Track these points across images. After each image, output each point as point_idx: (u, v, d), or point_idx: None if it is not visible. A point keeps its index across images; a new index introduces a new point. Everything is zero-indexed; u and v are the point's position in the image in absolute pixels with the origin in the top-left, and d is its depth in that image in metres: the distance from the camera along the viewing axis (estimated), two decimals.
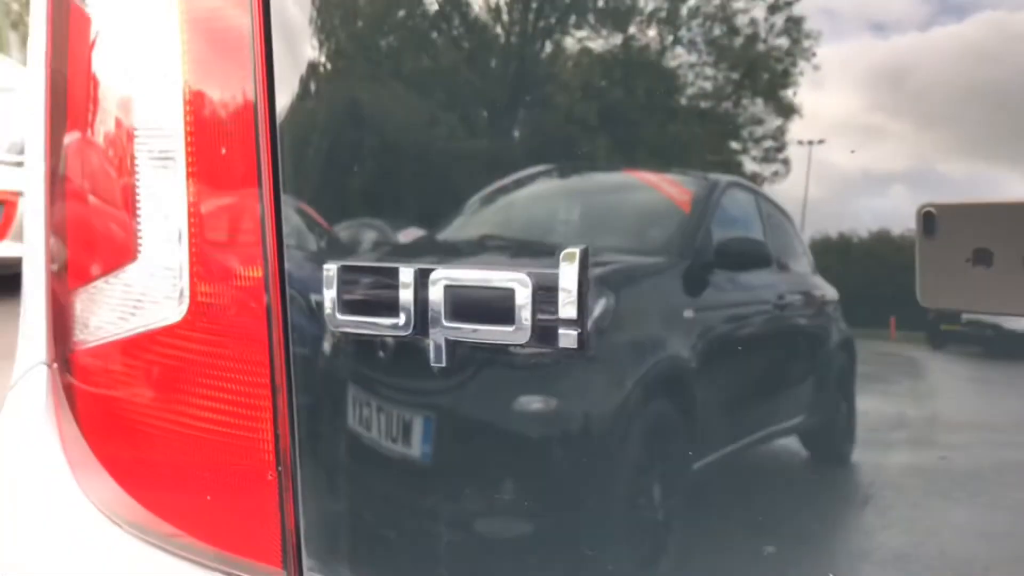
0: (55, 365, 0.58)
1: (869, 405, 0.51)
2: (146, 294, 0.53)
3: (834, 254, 0.51)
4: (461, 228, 0.56)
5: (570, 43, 0.56)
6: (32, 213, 0.68)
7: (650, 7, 0.54)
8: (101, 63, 0.58)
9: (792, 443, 0.54)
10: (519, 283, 0.53)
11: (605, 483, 0.52)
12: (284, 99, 0.55)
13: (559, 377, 0.54)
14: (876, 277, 0.50)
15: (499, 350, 0.51)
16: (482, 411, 0.53)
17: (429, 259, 0.54)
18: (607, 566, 0.50)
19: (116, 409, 0.55)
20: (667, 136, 0.56)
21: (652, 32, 0.54)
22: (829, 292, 0.52)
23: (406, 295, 0.51)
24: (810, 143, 0.52)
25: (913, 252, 0.47)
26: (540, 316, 0.51)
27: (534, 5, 0.56)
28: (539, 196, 0.57)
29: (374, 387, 0.50)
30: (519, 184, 0.57)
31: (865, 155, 0.49)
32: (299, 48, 0.58)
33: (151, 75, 0.57)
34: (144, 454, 0.53)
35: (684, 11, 0.53)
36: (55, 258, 0.61)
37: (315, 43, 0.58)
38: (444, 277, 0.52)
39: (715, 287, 0.55)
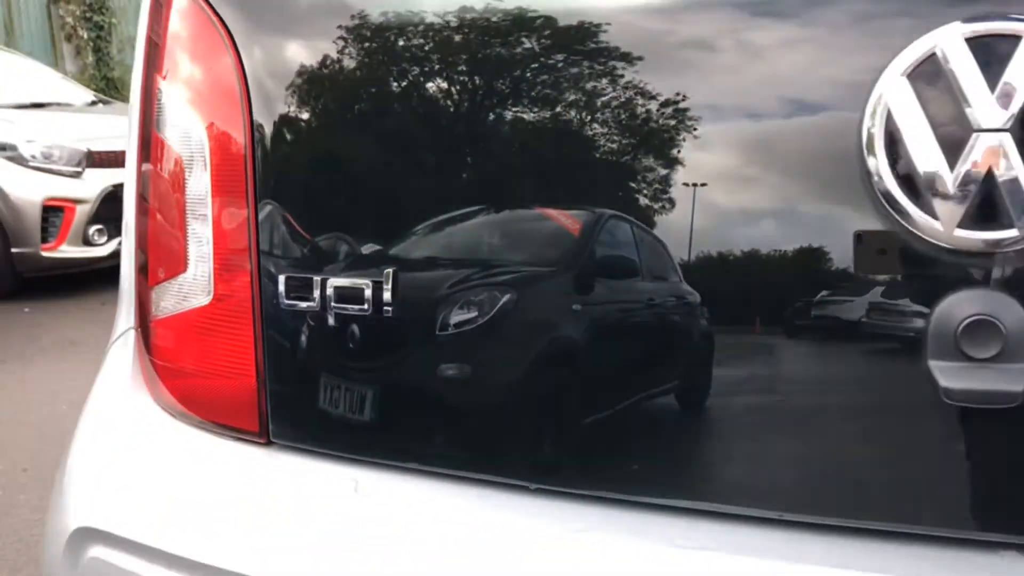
0: (139, 329, 0.99)
1: (722, 372, 0.70)
2: (191, 291, 0.92)
3: (704, 268, 0.68)
4: (407, 249, 0.80)
5: (505, 114, 0.76)
6: (126, 225, 1.03)
7: (571, 98, 0.73)
8: (165, 119, 0.92)
9: (665, 398, 0.74)
10: (374, 283, 0.78)
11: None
12: (265, 154, 0.84)
13: (475, 347, 0.78)
14: (737, 285, 0.69)
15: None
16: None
17: (367, 270, 0.80)
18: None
19: (171, 352, 0.95)
20: (577, 183, 0.76)
21: (572, 112, 0.73)
22: (693, 296, 0.70)
23: (318, 290, 0.84)
24: (694, 185, 0.68)
25: (766, 266, 0.66)
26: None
27: (481, 86, 0.78)
28: (473, 225, 0.79)
29: (311, 335, 0.86)
30: (458, 218, 0.80)
31: (736, 196, 0.68)
32: (277, 111, 0.85)
33: (193, 133, 0.92)
34: (185, 377, 0.92)
35: (598, 101, 0.71)
36: (140, 262, 0.99)
37: (291, 108, 0.85)
38: (334, 281, 0.80)
39: (597, 289, 0.74)
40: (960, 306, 0.61)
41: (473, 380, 0.80)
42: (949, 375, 0.60)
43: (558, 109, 0.75)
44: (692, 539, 0.68)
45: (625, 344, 0.76)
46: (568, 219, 0.77)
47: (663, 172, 0.71)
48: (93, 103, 7.01)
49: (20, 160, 5.71)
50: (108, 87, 14.39)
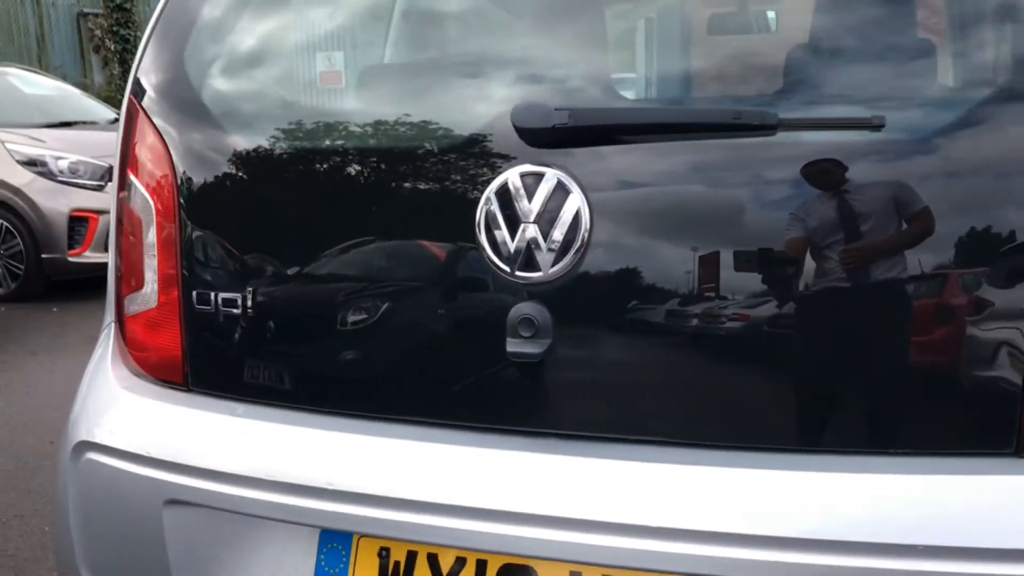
0: (117, 322, 1.58)
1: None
2: (145, 300, 1.49)
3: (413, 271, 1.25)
4: (266, 270, 1.34)
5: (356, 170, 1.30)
6: (110, 254, 1.61)
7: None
8: (137, 161, 1.51)
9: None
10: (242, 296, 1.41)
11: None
12: (183, 223, 1.44)
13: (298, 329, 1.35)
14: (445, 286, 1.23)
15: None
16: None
17: (240, 287, 1.45)
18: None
19: (135, 337, 1.53)
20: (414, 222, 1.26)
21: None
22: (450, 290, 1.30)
23: (214, 299, 1.42)
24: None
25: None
26: None
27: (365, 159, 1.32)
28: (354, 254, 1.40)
29: (211, 326, 1.44)
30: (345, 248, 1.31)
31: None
32: (200, 178, 1.42)
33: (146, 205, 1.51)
34: (142, 352, 1.50)
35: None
36: (118, 272, 1.57)
37: (201, 190, 1.49)
38: (223, 294, 1.46)
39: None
40: (518, 309, 1.18)
41: (297, 349, 1.37)
42: (512, 345, 1.18)
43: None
44: (397, 433, 1.26)
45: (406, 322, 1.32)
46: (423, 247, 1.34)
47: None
48: (114, 121, 7.58)
49: (50, 175, 6.24)
50: None
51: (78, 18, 15.93)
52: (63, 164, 6.32)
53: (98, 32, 15.87)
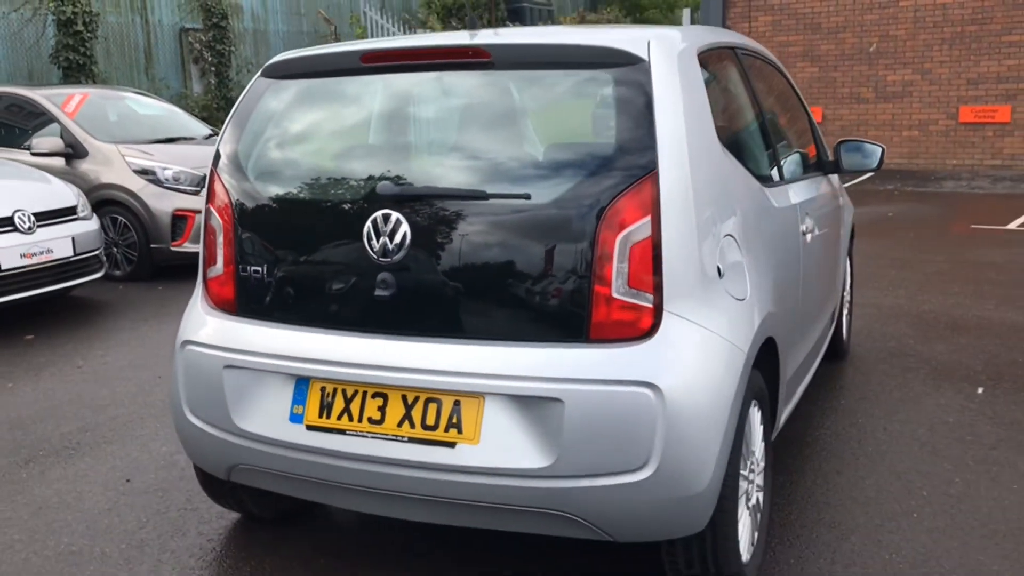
0: (202, 282, 2.99)
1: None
2: (215, 271, 2.87)
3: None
4: (283, 255, 2.87)
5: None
6: (201, 243, 3.06)
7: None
8: (214, 196, 2.94)
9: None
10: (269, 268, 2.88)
11: None
12: (236, 225, 2.89)
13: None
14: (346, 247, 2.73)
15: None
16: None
17: (271, 263, 2.86)
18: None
19: (211, 290, 2.94)
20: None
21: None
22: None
23: (258, 271, 2.84)
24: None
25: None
26: None
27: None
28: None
29: (250, 288, 2.82)
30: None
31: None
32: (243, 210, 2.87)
33: (212, 219, 2.92)
34: (214, 298, 2.92)
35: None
36: (203, 255, 2.97)
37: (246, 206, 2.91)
38: (253, 267, 2.88)
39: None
40: (381, 275, 2.54)
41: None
42: (377, 291, 2.57)
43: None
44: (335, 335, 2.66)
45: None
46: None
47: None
48: (208, 136, 9.15)
49: (157, 182, 7.74)
50: (228, 105, 16.67)
51: (180, 34, 17.61)
52: (168, 173, 7.84)
53: (197, 46, 17.56)
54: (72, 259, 6.32)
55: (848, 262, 5.02)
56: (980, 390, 4.51)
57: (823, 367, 4.76)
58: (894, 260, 7.90)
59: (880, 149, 4.21)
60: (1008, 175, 13.36)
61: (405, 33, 19.08)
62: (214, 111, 16.35)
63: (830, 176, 4.40)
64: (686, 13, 16.46)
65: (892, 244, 8.71)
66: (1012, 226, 9.59)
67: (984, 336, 5.49)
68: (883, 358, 5.08)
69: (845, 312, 5.02)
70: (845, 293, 4.97)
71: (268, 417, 2.62)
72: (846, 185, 12.82)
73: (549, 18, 24.64)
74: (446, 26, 19.55)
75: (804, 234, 3.41)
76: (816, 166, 4.20)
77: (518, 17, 22.73)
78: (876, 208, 11.18)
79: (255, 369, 2.66)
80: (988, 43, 13.67)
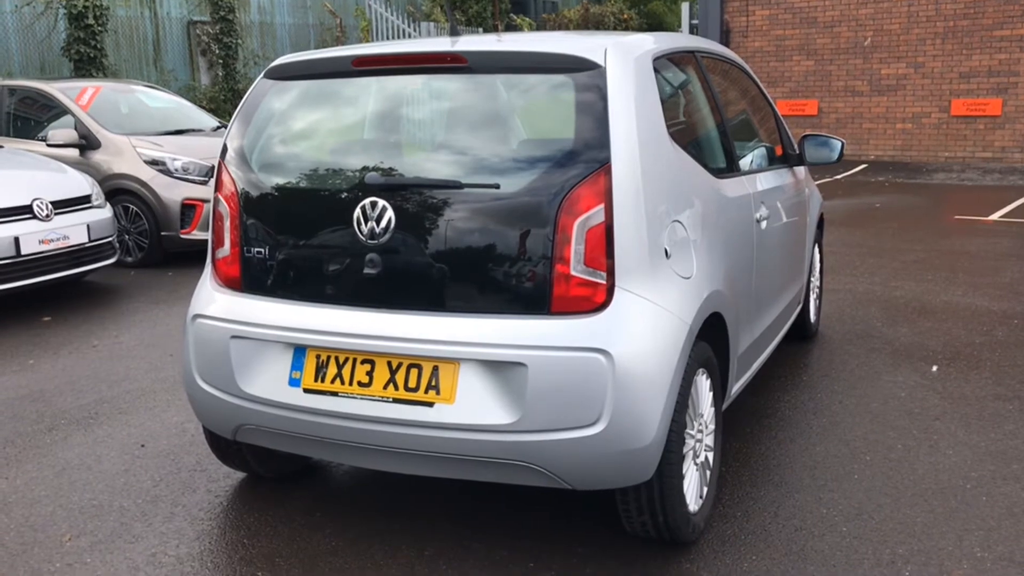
0: (211, 263, 3.33)
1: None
2: (223, 253, 3.22)
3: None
4: (285, 239, 3.21)
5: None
6: (209, 227, 3.38)
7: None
8: (222, 185, 3.29)
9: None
10: (271, 251, 3.22)
11: None
12: (241, 210, 3.23)
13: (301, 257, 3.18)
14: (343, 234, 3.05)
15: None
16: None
17: (272, 245, 3.20)
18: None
19: (219, 269, 3.28)
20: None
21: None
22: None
23: (259, 251, 3.18)
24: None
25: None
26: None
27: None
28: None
29: (254, 267, 3.14)
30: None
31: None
32: (247, 195, 3.24)
33: (219, 204, 3.28)
34: (222, 277, 3.26)
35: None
36: (212, 238, 3.32)
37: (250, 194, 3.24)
38: (256, 249, 3.21)
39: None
40: (369, 255, 2.88)
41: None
42: (366, 269, 2.91)
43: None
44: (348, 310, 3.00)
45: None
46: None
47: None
48: (216, 128, 9.46)
49: (168, 172, 8.06)
50: (235, 97, 16.99)
51: (188, 27, 17.89)
52: (178, 164, 8.16)
53: (205, 39, 17.84)
54: (87, 245, 6.62)
55: (817, 249, 5.34)
56: (935, 368, 4.83)
57: (791, 346, 5.09)
58: (873, 248, 8.21)
59: (840, 143, 4.53)
60: (998, 167, 13.65)
61: (410, 26, 19.36)
62: (221, 103, 16.68)
63: (796, 169, 4.71)
64: (685, 8, 16.75)
65: (874, 233, 9.02)
66: (993, 217, 9.89)
67: (948, 320, 5.81)
68: (850, 339, 5.40)
69: (813, 296, 5.33)
70: (813, 278, 5.28)
71: (270, 382, 2.96)
72: (839, 177, 13.11)
73: (553, 10, 24.92)
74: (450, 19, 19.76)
75: (759, 221, 3.73)
76: (781, 159, 4.52)
77: (522, 9, 23.04)
78: (865, 199, 11.48)
79: (258, 339, 3.00)
80: (980, 38, 13.93)
